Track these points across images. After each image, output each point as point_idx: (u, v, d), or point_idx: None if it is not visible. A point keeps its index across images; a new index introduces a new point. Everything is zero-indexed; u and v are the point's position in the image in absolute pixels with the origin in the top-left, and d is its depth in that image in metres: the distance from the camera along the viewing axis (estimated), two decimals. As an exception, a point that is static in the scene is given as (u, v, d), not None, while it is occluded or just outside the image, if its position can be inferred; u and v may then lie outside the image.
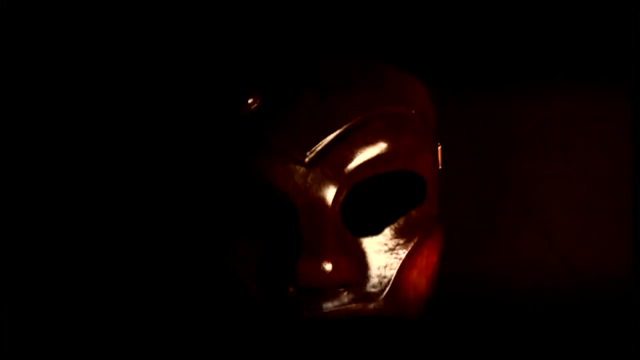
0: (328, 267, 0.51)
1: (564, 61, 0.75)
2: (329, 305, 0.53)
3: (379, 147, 0.55)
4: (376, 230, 0.56)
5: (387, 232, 0.56)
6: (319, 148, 0.54)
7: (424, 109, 0.59)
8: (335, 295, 0.53)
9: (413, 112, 0.58)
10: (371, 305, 0.54)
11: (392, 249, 0.56)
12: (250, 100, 0.56)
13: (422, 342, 0.61)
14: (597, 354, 0.63)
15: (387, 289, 0.55)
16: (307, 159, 0.54)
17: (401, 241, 0.56)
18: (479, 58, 0.75)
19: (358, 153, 0.54)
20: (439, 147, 0.61)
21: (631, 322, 0.65)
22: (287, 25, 0.73)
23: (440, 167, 0.61)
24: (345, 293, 0.54)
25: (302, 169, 0.54)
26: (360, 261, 0.54)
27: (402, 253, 0.56)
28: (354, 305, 0.54)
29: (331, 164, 0.54)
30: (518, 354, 0.63)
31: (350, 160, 0.54)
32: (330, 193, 0.54)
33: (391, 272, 0.55)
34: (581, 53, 0.75)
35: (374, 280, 0.55)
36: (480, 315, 0.68)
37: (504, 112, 0.76)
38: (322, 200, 0.54)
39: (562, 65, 0.75)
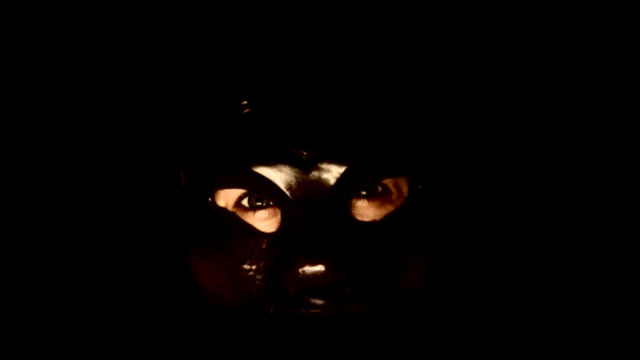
0: (327, 266, 0.52)
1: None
2: (328, 305, 0.53)
3: (379, 147, 0.55)
4: (376, 230, 0.56)
5: (387, 231, 0.56)
6: (319, 148, 0.54)
7: (424, 110, 0.59)
8: (334, 294, 0.53)
9: (413, 112, 0.58)
10: (370, 305, 0.54)
11: (391, 249, 0.56)
12: (245, 102, 0.56)
13: (422, 341, 0.61)
14: (597, 354, 0.63)
15: (386, 288, 0.55)
16: (306, 159, 0.54)
17: (401, 241, 0.56)
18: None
19: (358, 153, 0.55)
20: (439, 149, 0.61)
21: (631, 323, 0.65)
22: (286, 25, 0.73)
23: (440, 168, 0.61)
24: (344, 292, 0.54)
25: (301, 169, 0.54)
26: (359, 260, 0.54)
27: (402, 253, 0.56)
28: (352, 304, 0.54)
29: (330, 163, 0.54)
30: (518, 353, 0.63)
31: (350, 160, 0.54)
32: (329, 193, 0.54)
33: (390, 272, 0.55)
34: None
35: (373, 279, 0.55)
36: (481, 315, 0.68)
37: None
38: (321, 199, 0.54)
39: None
